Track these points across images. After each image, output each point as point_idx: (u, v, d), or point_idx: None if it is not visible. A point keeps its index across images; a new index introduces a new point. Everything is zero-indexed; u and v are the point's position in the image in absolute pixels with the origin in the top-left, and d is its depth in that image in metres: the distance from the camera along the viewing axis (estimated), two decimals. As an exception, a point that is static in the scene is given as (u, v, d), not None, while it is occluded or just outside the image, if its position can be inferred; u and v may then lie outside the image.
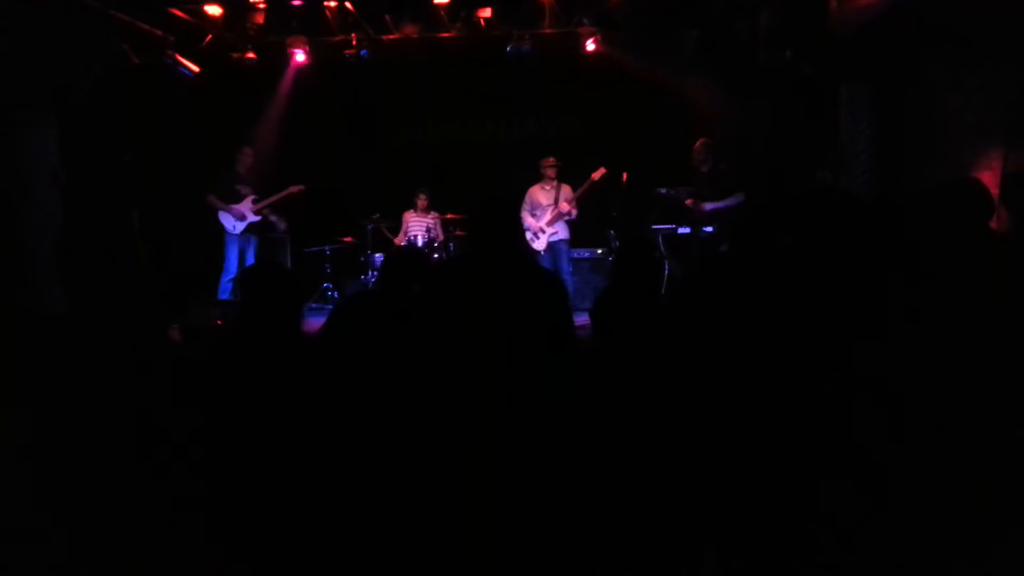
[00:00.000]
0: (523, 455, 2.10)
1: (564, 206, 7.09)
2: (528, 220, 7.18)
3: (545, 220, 7.14)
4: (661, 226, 6.72)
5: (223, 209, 7.18)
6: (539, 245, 7.15)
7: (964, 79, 4.88)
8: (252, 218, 7.27)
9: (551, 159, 7.21)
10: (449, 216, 7.79)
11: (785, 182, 6.77)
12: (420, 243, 7.50)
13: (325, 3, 7.17)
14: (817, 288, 2.20)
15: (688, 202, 6.43)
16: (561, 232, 7.16)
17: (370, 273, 7.58)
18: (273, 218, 7.42)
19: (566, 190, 7.16)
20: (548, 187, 7.20)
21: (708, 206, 6.36)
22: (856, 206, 2.42)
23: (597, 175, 6.91)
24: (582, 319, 3.17)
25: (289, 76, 8.13)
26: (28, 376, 2.70)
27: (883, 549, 1.85)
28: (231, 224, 7.21)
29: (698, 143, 6.58)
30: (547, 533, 2.00)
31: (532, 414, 2.17)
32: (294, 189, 7.32)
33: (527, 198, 7.25)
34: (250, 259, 7.25)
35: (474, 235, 2.80)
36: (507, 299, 2.47)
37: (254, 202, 7.26)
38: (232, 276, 7.15)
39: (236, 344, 2.51)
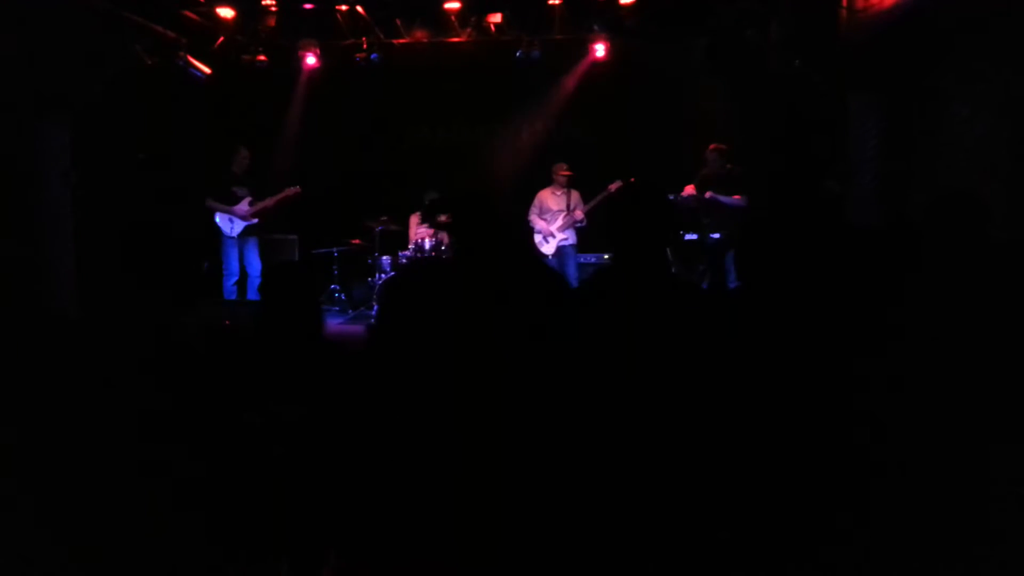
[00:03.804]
0: (517, 456, 2.09)
1: (578, 214, 7.15)
2: (538, 223, 7.25)
3: (557, 225, 7.19)
4: (668, 232, 6.73)
5: (224, 211, 7.08)
6: (548, 249, 7.20)
7: (973, 89, 4.89)
8: (249, 220, 7.15)
9: (563, 165, 7.25)
10: (457, 220, 7.78)
11: (793, 190, 6.78)
12: (427, 246, 7.52)
13: (336, 7, 7.21)
14: (820, 299, 2.20)
15: (707, 194, 6.47)
16: (571, 238, 7.24)
17: (377, 275, 7.59)
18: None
19: (576, 196, 7.20)
20: (559, 192, 7.26)
21: (708, 194, 6.45)
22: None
23: (614, 187, 6.92)
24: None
25: (300, 79, 8.16)
26: (37, 374, 2.71)
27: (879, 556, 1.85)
28: (228, 227, 7.11)
29: (711, 147, 6.60)
30: (544, 537, 2.00)
31: (525, 412, 2.16)
32: (290, 191, 7.24)
33: (536, 201, 7.31)
34: (251, 259, 7.17)
35: (458, 233, 2.90)
36: (499, 291, 2.48)
37: (250, 204, 7.14)
38: (236, 279, 7.08)
39: (259, 343, 2.55)
